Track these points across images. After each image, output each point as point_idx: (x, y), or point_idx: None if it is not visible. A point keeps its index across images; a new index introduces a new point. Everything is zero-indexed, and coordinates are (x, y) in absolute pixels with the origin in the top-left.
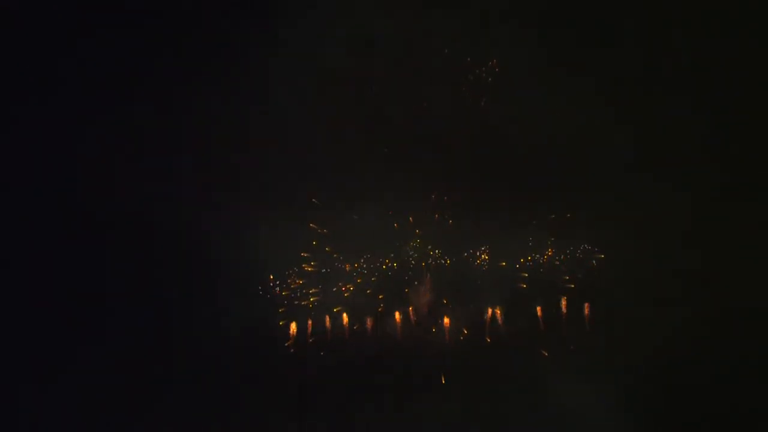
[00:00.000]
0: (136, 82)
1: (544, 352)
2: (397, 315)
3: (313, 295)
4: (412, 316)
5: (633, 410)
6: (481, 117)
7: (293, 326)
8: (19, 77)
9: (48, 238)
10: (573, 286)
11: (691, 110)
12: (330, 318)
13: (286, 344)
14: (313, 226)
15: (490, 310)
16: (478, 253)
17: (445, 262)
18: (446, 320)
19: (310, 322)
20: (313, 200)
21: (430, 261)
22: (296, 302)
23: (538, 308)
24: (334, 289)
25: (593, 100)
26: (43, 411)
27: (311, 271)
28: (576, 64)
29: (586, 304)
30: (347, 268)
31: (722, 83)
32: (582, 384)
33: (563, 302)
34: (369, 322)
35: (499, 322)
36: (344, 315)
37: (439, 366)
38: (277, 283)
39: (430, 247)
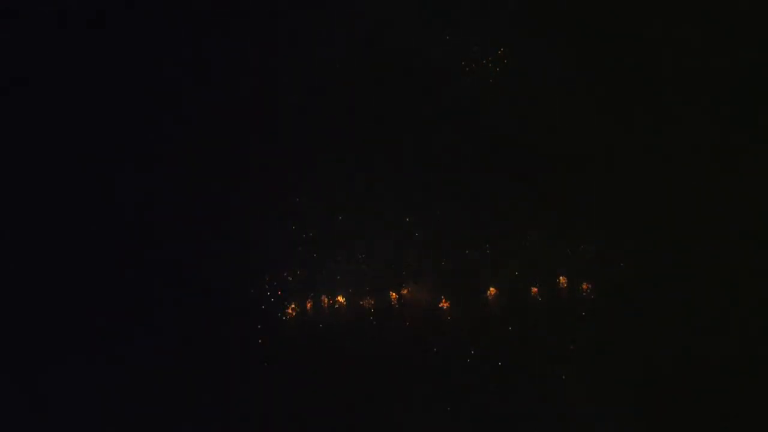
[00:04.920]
0: (132, 78)
1: (561, 375)
2: (394, 320)
3: (306, 299)
4: (409, 322)
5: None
6: (486, 110)
7: (287, 329)
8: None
9: (39, 237)
10: (588, 291)
11: (704, 110)
12: (324, 322)
13: (280, 348)
14: (300, 228)
15: (492, 302)
16: (482, 256)
17: (446, 264)
18: (447, 327)
19: (303, 323)
20: (297, 199)
21: (429, 263)
22: (290, 306)
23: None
24: (328, 294)
25: (605, 95)
26: (42, 410)
27: (304, 275)
28: (589, 58)
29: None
30: (341, 271)
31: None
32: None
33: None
34: (364, 327)
35: (508, 331)
36: (339, 319)
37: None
38: (275, 284)
39: (429, 248)
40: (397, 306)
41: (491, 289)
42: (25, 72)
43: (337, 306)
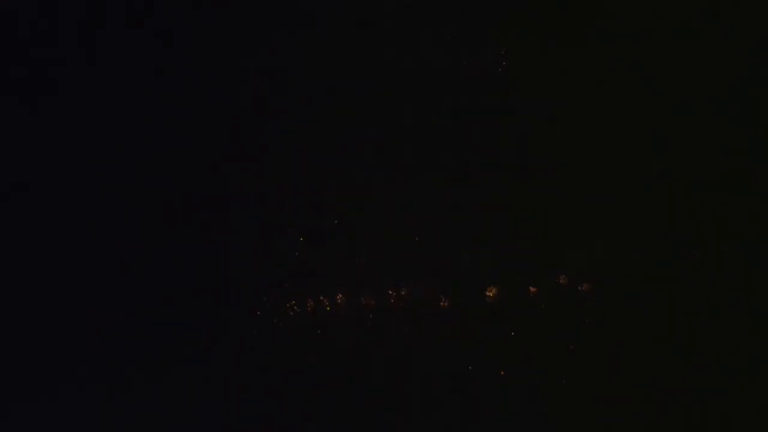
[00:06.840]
0: (132, 78)
1: (561, 375)
2: (393, 320)
3: (305, 301)
4: (408, 322)
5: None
6: (486, 110)
7: (285, 331)
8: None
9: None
10: (588, 291)
11: (704, 110)
12: (323, 323)
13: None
14: (298, 229)
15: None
16: (483, 260)
17: (446, 267)
18: (447, 327)
19: (302, 325)
20: (293, 202)
21: (429, 263)
22: (288, 307)
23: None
24: (325, 297)
25: (606, 95)
26: (45, 409)
27: (302, 276)
28: (590, 58)
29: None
30: (341, 272)
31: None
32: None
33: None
34: (363, 327)
35: (508, 331)
36: (337, 322)
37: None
38: (273, 286)
39: (429, 248)
40: (396, 306)
41: (491, 288)
42: (25, 72)
43: (335, 307)
